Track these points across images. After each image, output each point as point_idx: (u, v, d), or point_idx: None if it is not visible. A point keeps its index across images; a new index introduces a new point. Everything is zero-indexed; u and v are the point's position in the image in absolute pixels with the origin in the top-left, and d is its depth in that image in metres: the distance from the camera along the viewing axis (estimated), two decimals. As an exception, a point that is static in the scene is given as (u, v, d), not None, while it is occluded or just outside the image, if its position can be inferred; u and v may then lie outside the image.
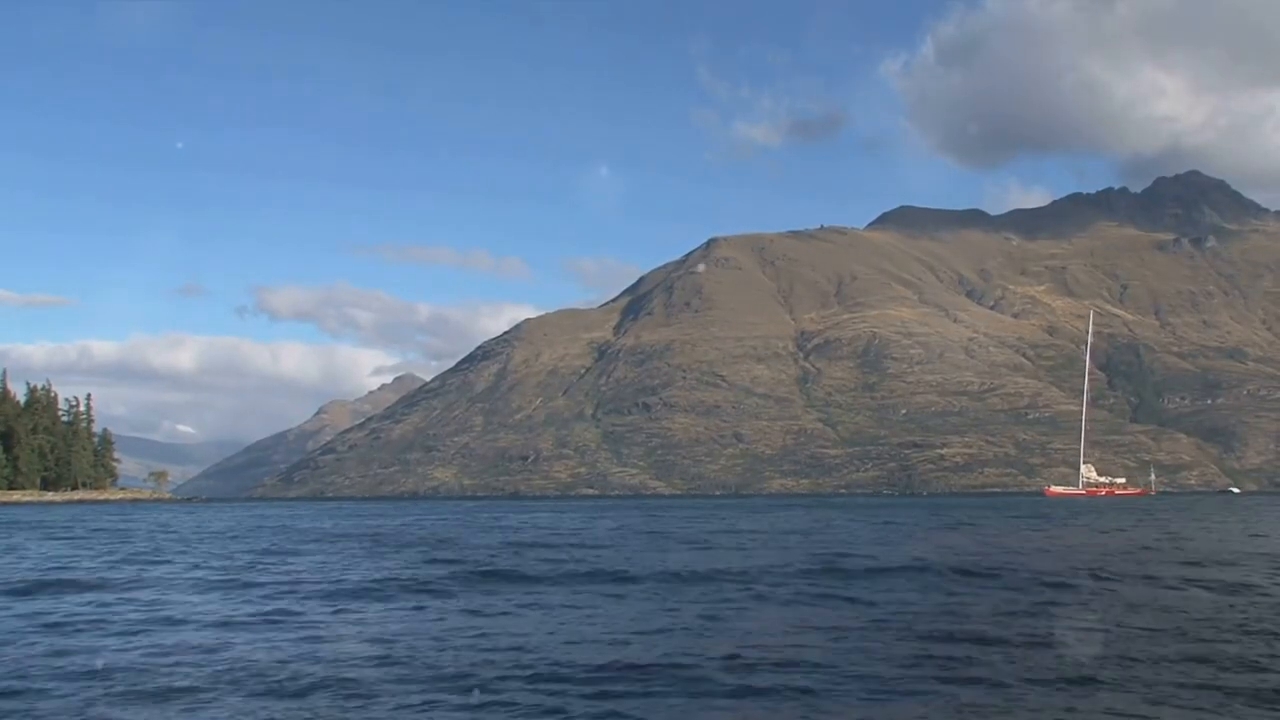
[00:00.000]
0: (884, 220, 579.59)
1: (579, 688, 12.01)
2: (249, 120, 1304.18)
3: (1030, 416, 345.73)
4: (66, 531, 55.16)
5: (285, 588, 23.23)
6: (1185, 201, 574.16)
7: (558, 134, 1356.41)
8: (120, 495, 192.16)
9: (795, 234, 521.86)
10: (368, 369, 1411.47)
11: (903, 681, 12.32)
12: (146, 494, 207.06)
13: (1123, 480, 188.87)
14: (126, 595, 22.12)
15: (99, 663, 13.67)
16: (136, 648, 15.03)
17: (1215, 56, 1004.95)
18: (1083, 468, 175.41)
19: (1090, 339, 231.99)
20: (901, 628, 16.44)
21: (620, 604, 20.10)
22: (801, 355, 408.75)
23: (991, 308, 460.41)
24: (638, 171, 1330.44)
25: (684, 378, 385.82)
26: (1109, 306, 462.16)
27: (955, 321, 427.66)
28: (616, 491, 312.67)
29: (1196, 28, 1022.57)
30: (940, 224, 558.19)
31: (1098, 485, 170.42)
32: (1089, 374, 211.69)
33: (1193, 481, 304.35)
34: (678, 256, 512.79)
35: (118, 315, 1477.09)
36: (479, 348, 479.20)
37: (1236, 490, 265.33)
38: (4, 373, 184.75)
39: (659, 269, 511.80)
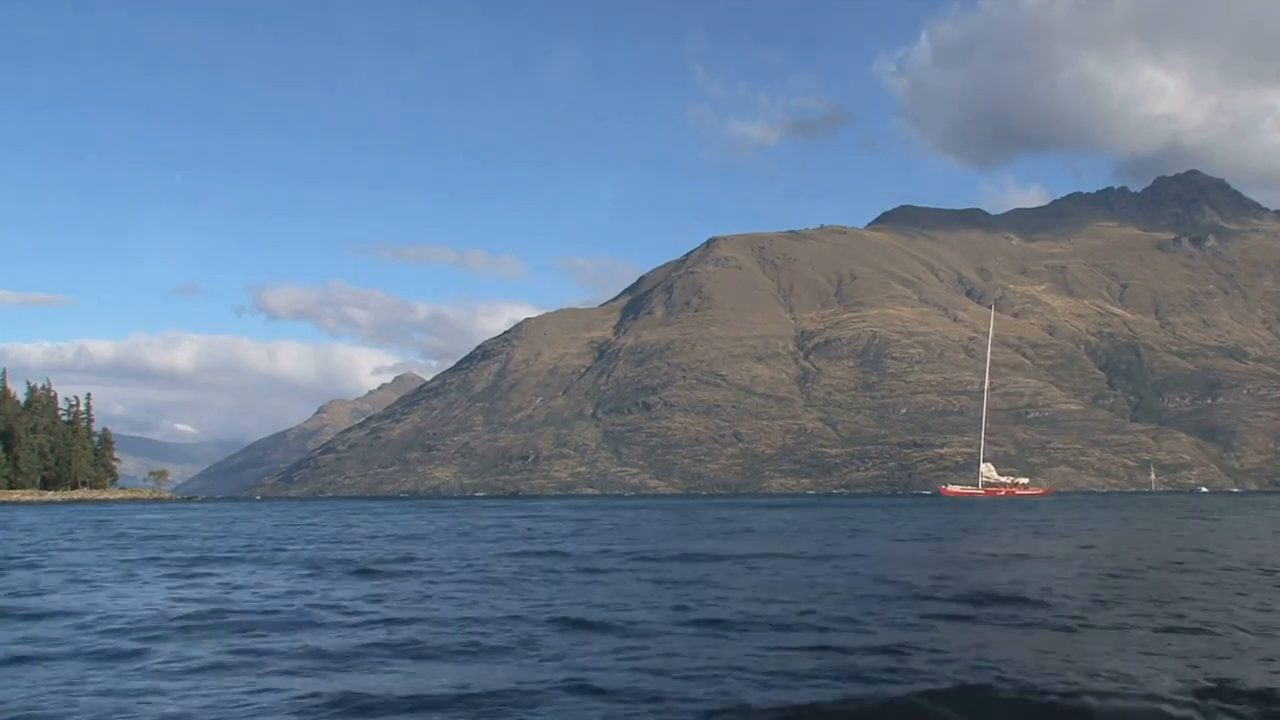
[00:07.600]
0: (884, 220, 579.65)
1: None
2: (247, 120, 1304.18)
3: (1030, 416, 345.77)
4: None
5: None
6: (1185, 201, 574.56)
7: (554, 133, 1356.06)
8: (120, 495, 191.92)
9: (795, 234, 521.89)
10: (367, 368, 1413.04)
11: None
12: (146, 493, 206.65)
13: (1025, 480, 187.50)
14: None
15: None
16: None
17: (1215, 55, 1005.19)
18: (982, 466, 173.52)
19: (991, 333, 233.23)
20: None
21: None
22: (801, 355, 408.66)
23: (991, 307, 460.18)
24: (634, 170, 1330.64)
25: (684, 377, 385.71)
26: (1109, 306, 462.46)
27: (955, 321, 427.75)
28: (617, 491, 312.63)
29: (1195, 26, 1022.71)
30: (940, 223, 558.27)
31: (997, 485, 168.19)
32: (988, 370, 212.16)
33: (1192, 481, 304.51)
34: (677, 256, 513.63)
35: (116, 314, 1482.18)
36: (479, 347, 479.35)
37: (1205, 490, 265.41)
38: (3, 372, 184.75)
39: (659, 268, 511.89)
